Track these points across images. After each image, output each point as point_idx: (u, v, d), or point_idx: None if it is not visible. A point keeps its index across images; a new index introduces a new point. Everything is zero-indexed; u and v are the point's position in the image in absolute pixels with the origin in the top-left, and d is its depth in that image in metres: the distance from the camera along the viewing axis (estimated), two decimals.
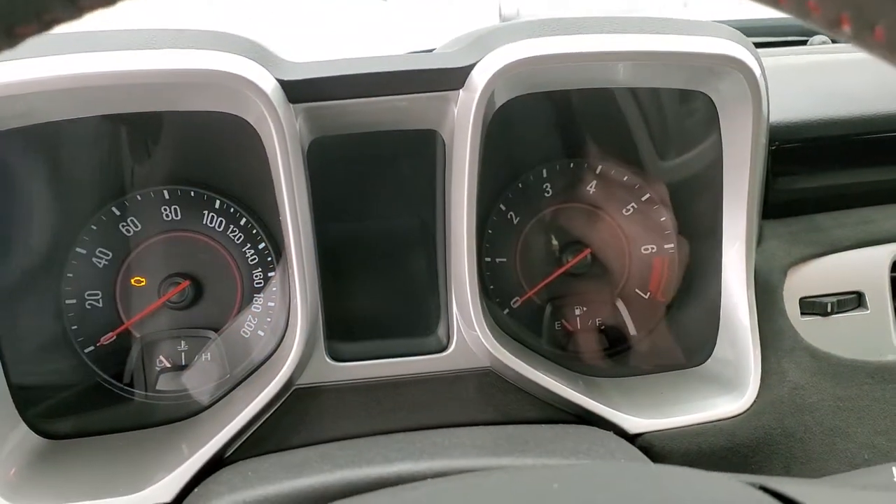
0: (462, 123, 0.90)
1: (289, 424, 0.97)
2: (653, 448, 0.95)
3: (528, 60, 0.85)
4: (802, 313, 1.07)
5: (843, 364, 1.04)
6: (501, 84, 0.88)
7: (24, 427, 0.94)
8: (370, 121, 0.95)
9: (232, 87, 0.81)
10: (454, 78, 0.90)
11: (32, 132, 0.90)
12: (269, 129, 0.84)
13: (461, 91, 0.90)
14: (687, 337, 1.10)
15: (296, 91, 0.87)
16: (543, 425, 0.93)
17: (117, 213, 1.04)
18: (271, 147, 0.86)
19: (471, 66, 0.89)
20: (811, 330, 1.06)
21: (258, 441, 0.96)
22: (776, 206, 1.08)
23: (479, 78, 0.87)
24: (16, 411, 0.94)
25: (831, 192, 1.12)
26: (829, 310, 1.06)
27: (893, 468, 0.66)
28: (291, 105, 0.88)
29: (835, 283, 1.08)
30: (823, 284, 1.08)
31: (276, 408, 0.97)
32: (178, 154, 1.04)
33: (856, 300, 1.08)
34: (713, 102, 0.99)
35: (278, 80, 0.85)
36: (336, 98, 0.89)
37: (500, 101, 0.94)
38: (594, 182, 1.12)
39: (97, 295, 1.05)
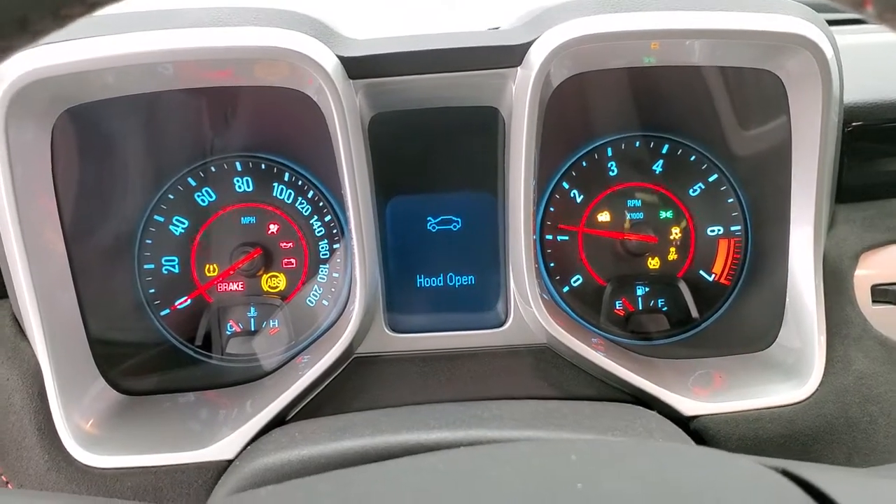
0: (520, 101, 0.90)
1: (347, 391, 1.01)
2: (707, 431, 0.94)
3: (585, 38, 0.85)
4: (874, 301, 1.03)
5: None
6: (559, 62, 0.88)
7: (102, 382, 1.00)
8: (429, 97, 0.96)
9: (293, 63, 0.84)
10: (512, 55, 0.90)
11: (112, 105, 0.95)
12: (329, 104, 0.86)
13: (519, 68, 0.91)
14: (750, 322, 1.08)
15: (356, 67, 0.89)
16: (587, 402, 0.93)
17: (193, 183, 1.09)
18: (331, 121, 0.88)
19: (529, 44, 0.89)
20: (882, 318, 1.02)
21: (318, 405, 0.99)
22: (850, 189, 1.04)
23: (537, 55, 0.87)
24: (96, 368, 1.00)
25: None
26: None
27: None
28: (351, 81, 0.90)
29: None
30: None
31: (336, 374, 1.01)
32: (249, 127, 1.08)
33: None
34: (782, 81, 0.96)
35: (339, 57, 0.88)
36: (394, 74, 0.91)
37: (559, 79, 0.94)
38: (661, 161, 1.10)
39: (173, 261, 1.10)
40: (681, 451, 0.50)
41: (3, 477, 0.94)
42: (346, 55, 0.89)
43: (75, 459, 0.91)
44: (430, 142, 1.02)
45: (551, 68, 0.87)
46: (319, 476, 0.47)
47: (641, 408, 0.93)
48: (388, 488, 0.46)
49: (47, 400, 0.92)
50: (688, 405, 0.95)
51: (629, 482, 0.43)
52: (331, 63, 0.86)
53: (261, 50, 0.83)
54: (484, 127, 1.00)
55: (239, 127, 1.08)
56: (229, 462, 0.91)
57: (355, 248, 0.95)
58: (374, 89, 0.93)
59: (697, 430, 0.94)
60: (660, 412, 0.95)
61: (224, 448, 0.91)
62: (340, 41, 0.92)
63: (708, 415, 0.95)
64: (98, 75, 0.88)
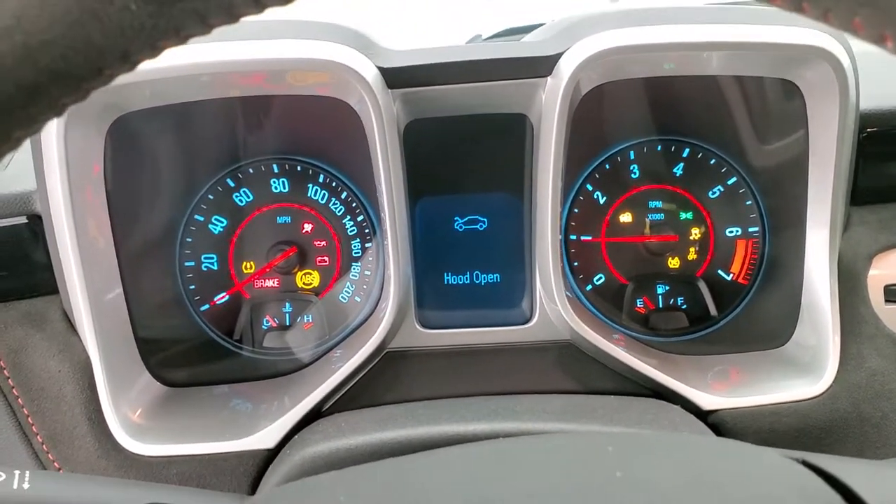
0: (549, 109, 0.94)
1: (380, 384, 1.05)
2: (725, 425, 0.99)
3: (613, 50, 0.89)
4: (887, 301, 1.07)
5: None
6: (588, 72, 0.92)
7: (147, 375, 1.06)
8: (463, 104, 1.01)
9: (337, 75, 0.89)
10: (542, 66, 0.95)
11: (158, 112, 1.00)
12: (369, 111, 0.91)
13: (549, 78, 0.95)
14: (767, 320, 1.12)
15: (394, 77, 0.94)
16: (614, 396, 0.98)
17: (231, 184, 1.14)
18: (370, 128, 0.93)
19: (559, 55, 0.93)
20: (894, 318, 1.06)
21: (352, 398, 1.04)
22: (866, 192, 1.08)
23: (566, 67, 0.91)
24: (141, 361, 1.05)
25: None
26: None
27: None
28: (390, 90, 0.95)
29: None
30: None
31: (369, 368, 1.06)
32: (286, 131, 1.13)
33: None
34: (800, 90, 1.00)
35: (378, 68, 0.92)
36: (430, 84, 0.96)
37: (586, 89, 0.98)
38: (681, 164, 1.14)
39: (212, 258, 1.15)
40: (708, 442, 0.55)
41: (55, 464, 0.99)
42: (385, 66, 0.93)
43: (123, 448, 0.96)
44: (461, 146, 1.06)
45: (580, 78, 0.91)
46: (376, 463, 0.52)
47: (665, 402, 0.97)
48: (441, 475, 0.50)
49: (97, 391, 0.97)
50: (706, 399, 0.99)
51: (664, 471, 0.47)
52: (371, 74, 0.90)
53: (308, 62, 0.88)
54: (512, 132, 1.04)
55: (276, 131, 1.12)
56: (269, 451, 0.96)
57: (389, 247, 0.99)
58: (411, 98, 0.97)
59: (715, 424, 0.99)
60: (679, 406, 1.00)
61: (264, 437, 0.96)
62: (380, 52, 0.97)
63: (726, 409, 0.99)
64: (148, 85, 0.93)
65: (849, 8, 0.33)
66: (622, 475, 0.47)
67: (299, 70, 0.91)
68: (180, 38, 0.37)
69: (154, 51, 0.37)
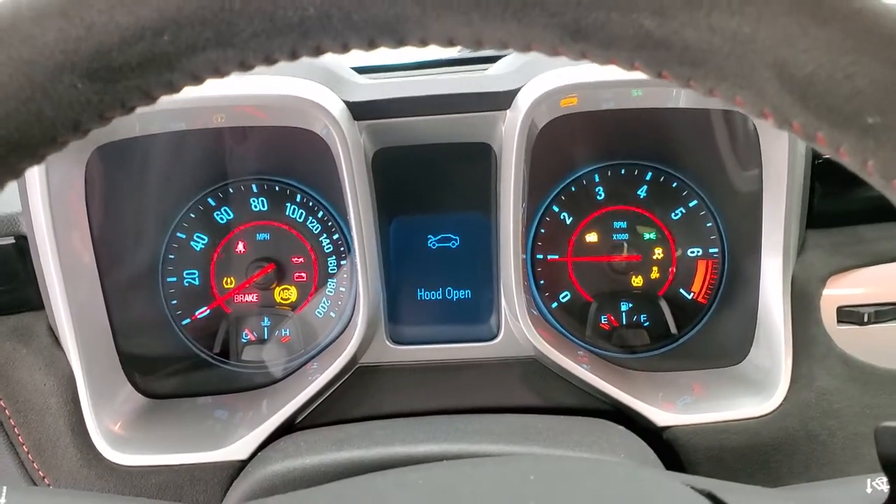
0: (509, 140, 0.99)
1: (351, 398, 1.10)
2: (678, 441, 1.03)
3: (567, 88, 0.93)
4: (839, 321, 1.11)
5: (876, 373, 1.08)
6: (544, 107, 0.96)
7: (129, 387, 1.11)
8: (427, 135, 1.05)
9: (304, 109, 0.93)
10: (501, 100, 0.99)
11: (138, 141, 1.05)
12: (336, 142, 0.96)
13: (508, 111, 1.00)
14: (724, 338, 1.16)
15: (360, 110, 0.99)
16: (561, 416, 1.02)
17: (213, 203, 1.19)
18: (338, 157, 0.97)
19: (517, 90, 0.98)
20: (847, 338, 1.10)
21: (325, 410, 1.09)
22: (821, 216, 1.12)
23: (524, 101, 0.96)
24: (123, 374, 1.10)
25: (876, 205, 1.15)
26: (865, 319, 1.10)
27: (868, 480, 0.72)
28: (356, 122, 0.99)
29: (874, 294, 1.11)
30: (863, 295, 1.11)
31: (341, 382, 1.11)
32: (265, 155, 1.18)
33: (894, 311, 1.12)
34: (754, 122, 1.04)
35: (345, 101, 0.97)
36: (395, 116, 1.00)
37: (544, 121, 1.03)
38: (644, 187, 1.19)
39: (194, 274, 1.20)
40: (616, 470, 0.59)
41: (39, 472, 1.04)
42: (351, 100, 0.98)
43: (105, 458, 1.01)
44: (430, 171, 1.11)
45: (536, 113, 0.96)
46: (316, 489, 0.57)
47: (611, 423, 1.02)
48: (373, 499, 0.55)
49: (80, 404, 1.02)
50: (661, 416, 1.04)
51: (555, 496, 0.52)
52: (337, 108, 0.95)
53: (277, 98, 0.93)
54: (478, 159, 1.09)
55: (255, 155, 1.17)
56: (243, 462, 1.01)
57: (359, 266, 1.04)
58: (377, 129, 1.02)
59: (669, 440, 1.03)
60: (636, 422, 1.04)
61: (238, 449, 1.01)
62: (346, 86, 1.02)
63: (679, 425, 1.04)
64: (120, 121, 0.98)
65: (729, 91, 0.37)
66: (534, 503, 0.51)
67: (267, 106, 0.95)
68: (126, 109, 0.42)
69: (103, 121, 0.41)
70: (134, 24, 0.36)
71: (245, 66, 0.40)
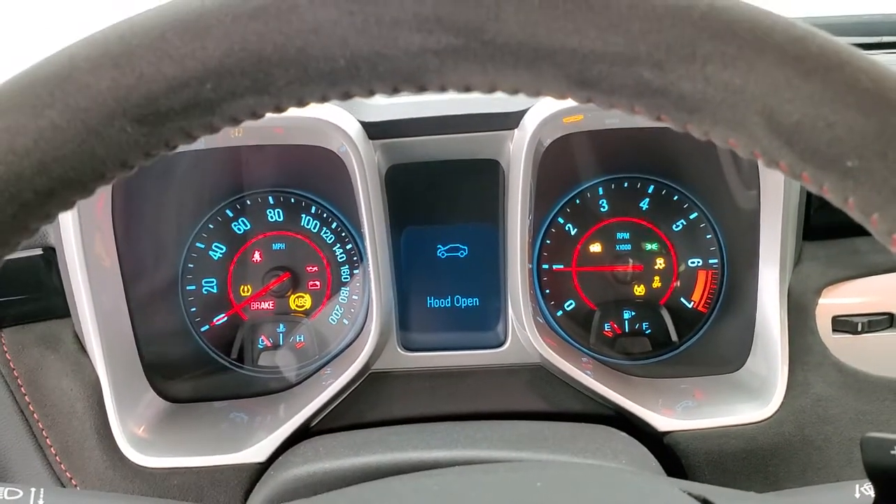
0: (516, 158, 1.03)
1: (364, 404, 1.15)
2: (678, 445, 1.07)
3: (574, 109, 0.98)
4: (834, 330, 1.14)
5: (869, 380, 1.12)
6: (550, 126, 1.01)
7: (151, 392, 1.15)
8: (438, 152, 1.10)
9: (323, 129, 0.98)
10: (509, 120, 1.04)
11: (163, 157, 1.09)
12: (351, 160, 1.00)
13: (515, 130, 1.04)
14: (723, 346, 1.20)
15: (375, 130, 1.05)
16: (566, 423, 1.07)
17: (230, 214, 1.24)
18: (353, 174, 1.02)
19: (524, 111, 1.02)
20: (841, 347, 1.13)
21: (338, 415, 1.14)
22: (817, 228, 1.15)
23: (530, 122, 1.00)
24: (146, 379, 1.15)
25: None
26: (859, 329, 1.14)
27: (857, 485, 0.76)
28: (371, 141, 1.04)
29: (868, 304, 1.15)
30: (857, 305, 1.15)
31: (354, 388, 1.15)
32: (281, 169, 1.22)
33: (888, 321, 1.15)
34: None
35: (361, 122, 1.02)
36: (408, 135, 1.05)
37: (550, 139, 1.08)
38: (647, 199, 1.23)
39: (212, 282, 1.25)
40: (618, 476, 0.64)
41: (67, 474, 1.09)
42: (366, 120, 1.03)
43: (129, 460, 1.05)
44: (440, 186, 1.16)
45: (543, 132, 1.00)
46: (336, 492, 0.61)
47: (615, 430, 1.06)
48: (391, 502, 0.60)
49: (105, 408, 1.06)
50: (662, 422, 1.08)
51: (561, 502, 0.56)
52: (353, 128, 1.00)
53: (298, 120, 0.98)
54: (486, 175, 1.14)
55: (272, 169, 1.22)
56: (261, 464, 1.05)
57: (372, 275, 1.08)
58: (391, 147, 1.07)
59: (670, 445, 1.07)
60: (638, 427, 1.08)
61: (257, 452, 1.06)
62: (361, 107, 1.07)
63: (679, 430, 1.08)
64: None
65: (722, 134, 0.41)
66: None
67: (287, 127, 1.00)
68: (169, 147, 0.46)
69: (147, 158, 0.45)
70: (180, 74, 0.40)
71: (279, 110, 0.44)
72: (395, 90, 0.43)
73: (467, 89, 0.43)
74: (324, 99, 0.43)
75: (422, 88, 0.43)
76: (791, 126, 0.38)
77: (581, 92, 0.42)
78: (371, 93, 0.43)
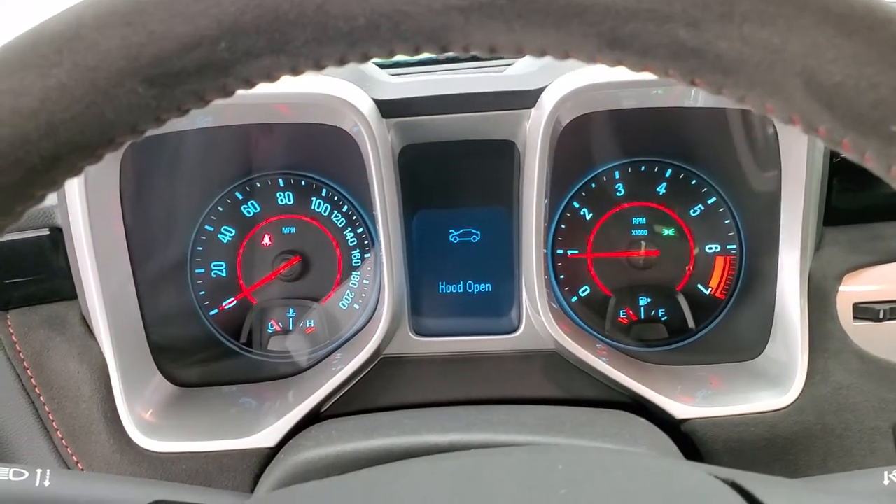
0: (533, 138, 1.01)
1: (376, 389, 1.13)
2: (696, 433, 1.05)
3: (591, 87, 0.95)
4: (855, 318, 1.12)
5: (891, 368, 1.10)
6: (569, 105, 0.98)
7: (159, 376, 1.14)
8: (454, 132, 1.08)
9: (335, 107, 0.96)
10: (526, 98, 1.02)
11: (170, 136, 1.08)
12: (364, 139, 0.98)
13: (532, 110, 1.02)
14: (742, 334, 1.18)
15: (388, 108, 1.02)
16: (586, 408, 1.05)
17: (240, 196, 1.22)
18: (366, 154, 1.00)
19: (542, 89, 1.00)
20: (862, 334, 1.11)
21: (349, 400, 1.12)
22: (838, 213, 1.13)
23: (548, 101, 0.98)
24: (153, 363, 1.13)
25: (893, 202, 1.16)
26: (881, 316, 1.11)
27: (885, 472, 0.74)
28: (384, 119, 1.02)
29: (890, 291, 1.13)
30: (878, 291, 1.13)
31: (365, 373, 1.13)
32: (292, 150, 1.20)
33: None
34: (773, 122, 1.06)
35: (374, 100, 1.00)
36: (423, 114, 1.03)
37: (567, 119, 1.05)
38: (664, 184, 1.21)
39: (221, 266, 1.23)
40: (641, 460, 0.62)
41: (73, 457, 1.07)
42: (379, 98, 1.01)
43: (136, 444, 1.04)
44: (454, 167, 1.13)
45: (561, 111, 0.98)
46: (356, 473, 0.59)
47: (633, 415, 1.04)
48: (405, 485, 0.58)
49: (112, 391, 1.05)
50: (679, 409, 1.06)
51: (583, 485, 0.54)
52: (366, 106, 0.98)
53: (309, 96, 0.95)
54: (502, 156, 1.11)
55: (283, 150, 1.20)
56: (270, 449, 1.04)
57: (384, 259, 1.07)
58: (405, 126, 1.05)
59: (687, 433, 1.05)
60: (655, 415, 1.06)
61: (266, 437, 1.04)
62: (375, 84, 1.04)
63: (697, 418, 1.06)
64: None
65: (759, 99, 0.39)
66: (565, 491, 0.53)
67: (296, 104, 0.98)
68: (181, 112, 0.44)
69: (158, 122, 0.44)
70: (193, 32, 0.38)
71: (296, 72, 0.42)
72: (416, 50, 0.41)
73: (493, 50, 0.41)
74: (342, 61, 0.41)
75: (444, 49, 0.41)
76: (832, 88, 0.36)
77: (612, 53, 0.40)
78: (391, 53, 0.41)
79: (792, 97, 0.38)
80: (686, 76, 0.40)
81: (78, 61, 0.38)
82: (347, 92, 0.96)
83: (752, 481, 0.59)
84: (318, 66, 0.42)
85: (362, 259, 1.23)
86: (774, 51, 0.36)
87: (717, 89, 0.40)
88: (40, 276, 1.09)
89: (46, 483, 0.73)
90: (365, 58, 0.41)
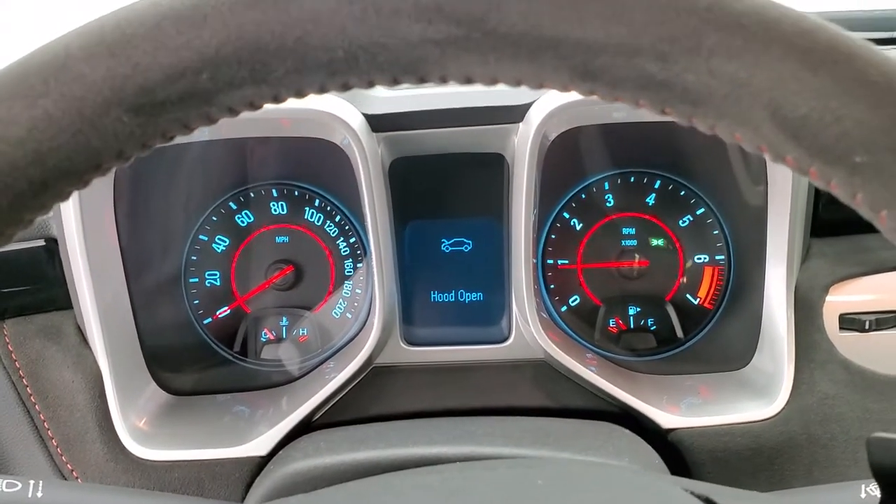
0: (521, 152, 1.02)
1: (367, 398, 1.14)
2: (683, 443, 1.06)
3: (580, 102, 0.97)
4: (841, 328, 1.13)
5: (876, 378, 1.11)
6: (556, 120, 1.00)
7: (153, 385, 1.15)
8: (442, 145, 1.09)
9: (325, 122, 0.97)
10: (514, 113, 1.03)
11: (167, 148, 1.09)
12: (354, 153, 0.99)
13: (521, 124, 1.03)
14: (729, 344, 1.19)
15: (378, 123, 1.04)
16: (570, 420, 1.06)
17: (234, 206, 1.23)
18: (356, 167, 1.01)
19: (529, 104, 1.01)
20: (848, 345, 1.12)
21: (341, 409, 1.13)
22: (825, 225, 1.14)
23: (536, 115, 0.99)
24: (148, 371, 1.15)
25: None
26: (867, 326, 1.13)
27: (863, 485, 0.75)
28: (374, 133, 1.03)
29: (876, 302, 1.14)
30: (865, 302, 1.14)
31: (357, 382, 1.14)
32: (285, 162, 1.22)
33: (895, 319, 1.14)
34: None
35: (364, 114, 1.01)
36: (412, 128, 1.05)
37: (555, 133, 1.06)
38: (653, 195, 1.22)
39: (215, 275, 1.24)
40: (621, 474, 0.63)
41: (68, 466, 1.09)
42: (369, 112, 1.02)
43: (130, 453, 1.05)
44: (444, 179, 1.15)
45: (548, 125, 0.99)
46: (334, 488, 0.61)
47: (618, 427, 1.05)
48: (389, 499, 0.59)
49: (106, 400, 1.06)
50: (666, 419, 1.07)
51: (562, 500, 0.56)
52: (356, 120, 0.99)
53: (300, 111, 0.97)
54: (491, 168, 1.13)
55: (276, 161, 1.21)
56: (262, 458, 1.05)
57: (375, 269, 1.08)
58: (395, 140, 1.06)
59: (674, 442, 1.07)
60: (642, 424, 1.08)
61: (258, 446, 1.05)
62: (365, 99, 1.06)
63: (684, 428, 1.07)
64: None
65: (728, 129, 0.40)
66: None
67: (290, 119, 0.99)
68: (166, 139, 0.45)
69: (144, 149, 0.45)
70: (176, 63, 0.39)
71: (278, 100, 0.43)
72: (394, 81, 0.42)
73: (468, 81, 0.42)
74: (322, 90, 0.42)
75: (422, 80, 0.42)
76: (798, 120, 0.37)
77: (584, 84, 0.41)
78: (370, 84, 0.42)
79: (759, 128, 0.39)
80: (656, 106, 0.41)
81: (65, 91, 0.39)
82: (337, 107, 0.98)
83: (727, 496, 0.60)
84: (300, 95, 0.43)
85: (355, 269, 1.24)
86: (741, 84, 0.37)
87: (687, 119, 0.41)
88: (36, 286, 1.10)
89: (39, 494, 0.75)
90: (345, 87, 0.42)
